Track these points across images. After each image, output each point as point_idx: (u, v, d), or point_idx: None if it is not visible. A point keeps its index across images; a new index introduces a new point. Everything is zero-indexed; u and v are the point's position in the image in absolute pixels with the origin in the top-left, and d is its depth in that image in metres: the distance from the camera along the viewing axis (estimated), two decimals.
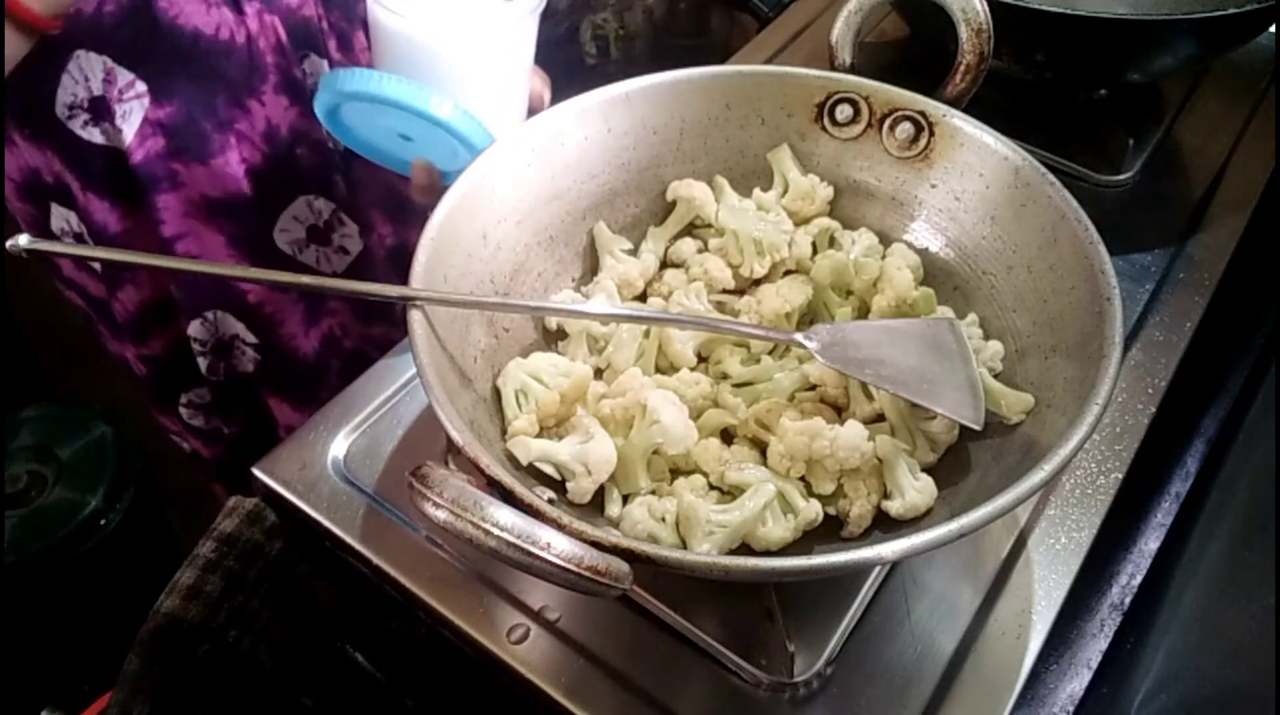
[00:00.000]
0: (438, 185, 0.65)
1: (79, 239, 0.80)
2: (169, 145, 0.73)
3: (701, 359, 0.61)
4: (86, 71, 0.68)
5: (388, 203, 0.87)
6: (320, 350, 0.88)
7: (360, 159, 0.79)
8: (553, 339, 0.62)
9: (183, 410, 0.92)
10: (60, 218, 0.79)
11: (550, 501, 0.43)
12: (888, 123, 0.63)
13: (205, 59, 0.71)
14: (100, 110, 0.70)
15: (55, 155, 0.74)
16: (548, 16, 0.64)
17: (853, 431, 0.51)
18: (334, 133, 0.67)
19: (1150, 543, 0.64)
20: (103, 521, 1.28)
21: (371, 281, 0.86)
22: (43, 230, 0.81)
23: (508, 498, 0.42)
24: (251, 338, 0.84)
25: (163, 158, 0.73)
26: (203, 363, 0.85)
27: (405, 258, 0.53)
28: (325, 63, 0.77)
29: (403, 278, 0.51)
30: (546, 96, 0.71)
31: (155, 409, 0.95)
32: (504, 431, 0.54)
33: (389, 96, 0.58)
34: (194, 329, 0.82)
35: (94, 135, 0.72)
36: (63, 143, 0.72)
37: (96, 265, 0.82)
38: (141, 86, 0.70)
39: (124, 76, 0.69)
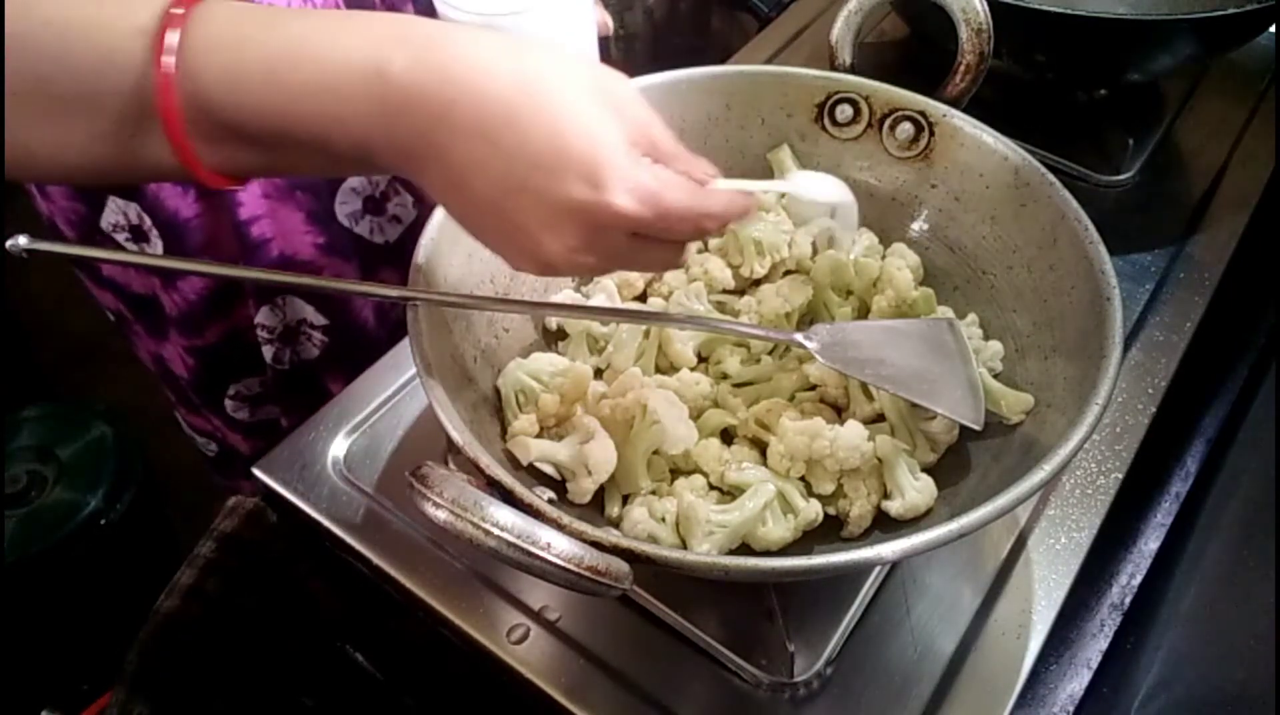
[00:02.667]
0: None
1: (135, 232, 0.79)
2: None
3: (701, 359, 0.61)
4: None
5: None
6: (375, 322, 0.88)
7: None
8: (553, 339, 0.62)
9: (228, 402, 0.92)
10: (115, 212, 0.79)
11: (550, 501, 0.43)
12: (888, 123, 0.63)
13: None
14: None
15: None
16: None
17: (853, 431, 0.51)
18: None
19: (1150, 543, 0.64)
20: (103, 521, 1.28)
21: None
22: (89, 228, 0.80)
23: (508, 498, 0.42)
24: (321, 319, 0.84)
25: None
26: (268, 351, 0.85)
27: None
28: None
29: None
30: (608, 20, 0.71)
31: (193, 407, 0.94)
32: (504, 431, 0.54)
33: None
34: (263, 316, 0.82)
35: None
36: None
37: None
38: None
39: None
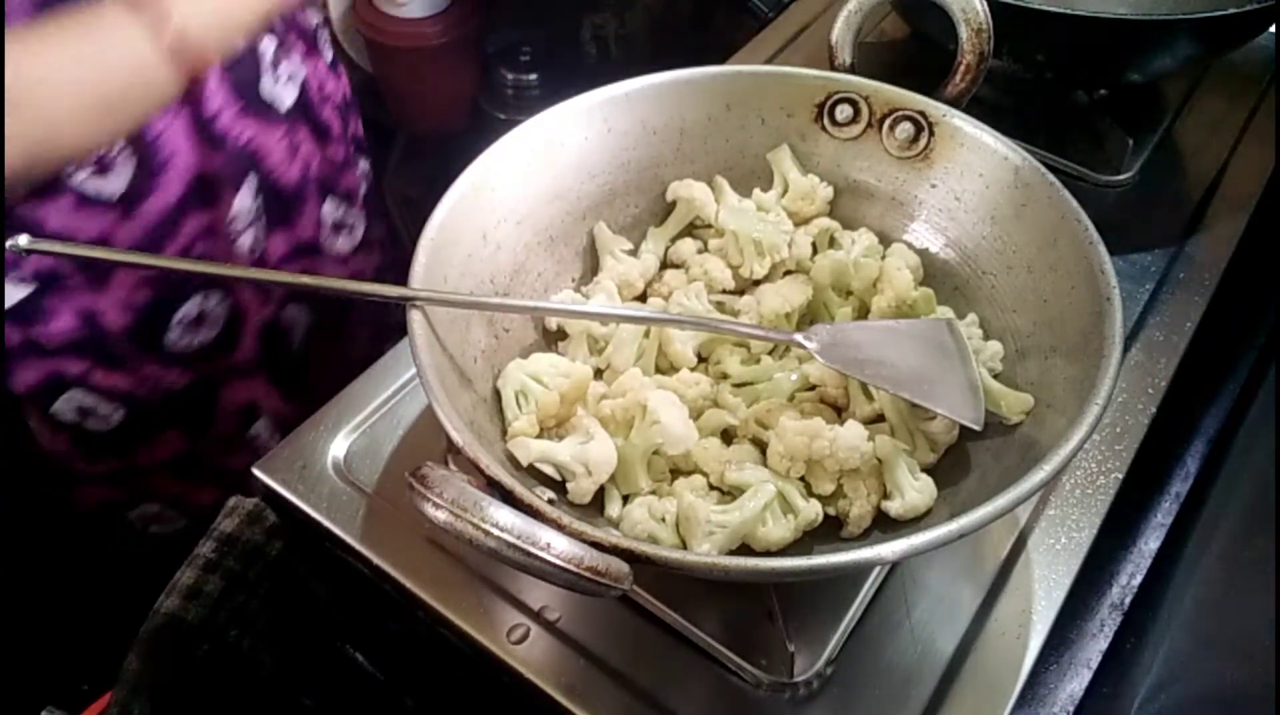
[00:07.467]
0: None
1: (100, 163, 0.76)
2: None
3: (701, 359, 0.61)
4: None
5: None
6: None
7: None
8: (553, 339, 0.62)
9: (170, 335, 0.85)
10: None
11: (550, 502, 0.43)
12: (888, 123, 0.63)
13: None
14: None
15: None
16: (548, 18, 0.64)
17: (853, 432, 0.51)
18: None
19: (1150, 543, 0.64)
20: None
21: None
22: None
23: (508, 498, 0.42)
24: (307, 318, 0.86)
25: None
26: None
27: None
28: None
29: None
30: None
31: (115, 361, 0.85)
32: (504, 432, 0.54)
33: None
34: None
35: None
36: None
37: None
38: None
39: None
